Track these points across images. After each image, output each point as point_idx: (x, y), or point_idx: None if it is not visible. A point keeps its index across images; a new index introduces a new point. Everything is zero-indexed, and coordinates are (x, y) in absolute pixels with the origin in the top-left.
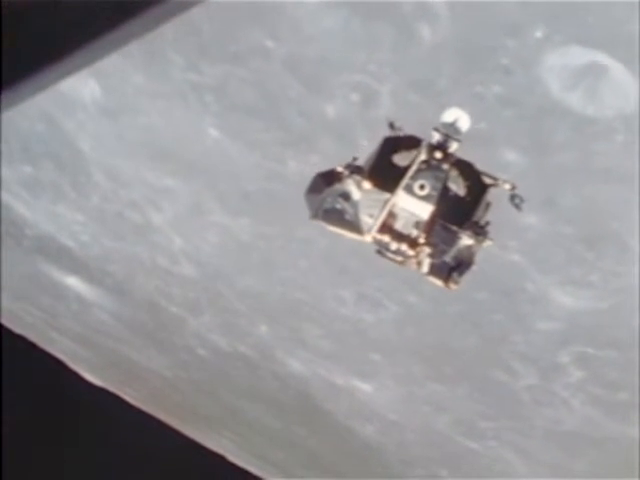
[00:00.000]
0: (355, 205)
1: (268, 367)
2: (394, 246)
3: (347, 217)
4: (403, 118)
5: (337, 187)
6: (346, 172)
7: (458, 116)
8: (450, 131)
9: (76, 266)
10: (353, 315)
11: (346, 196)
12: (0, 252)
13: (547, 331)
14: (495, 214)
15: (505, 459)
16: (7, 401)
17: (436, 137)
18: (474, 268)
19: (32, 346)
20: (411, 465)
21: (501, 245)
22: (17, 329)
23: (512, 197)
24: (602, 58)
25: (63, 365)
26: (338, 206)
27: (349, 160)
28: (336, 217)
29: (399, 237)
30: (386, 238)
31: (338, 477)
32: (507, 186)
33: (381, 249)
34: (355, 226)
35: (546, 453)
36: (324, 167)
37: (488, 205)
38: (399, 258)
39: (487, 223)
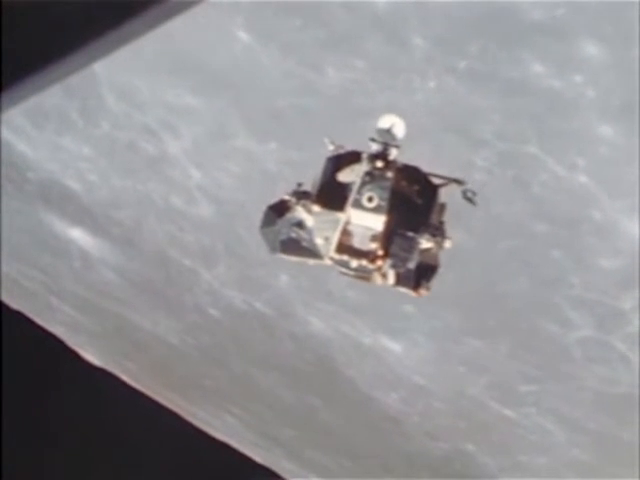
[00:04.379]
0: (309, 231)
1: (286, 327)
2: (354, 263)
3: (304, 244)
4: (467, 7)
5: (289, 217)
6: (294, 199)
7: (393, 122)
8: (387, 138)
9: (81, 214)
10: None
11: (299, 224)
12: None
13: (610, 270)
14: (564, 125)
15: (543, 428)
16: (6, 385)
17: (374, 147)
18: (535, 195)
19: (30, 323)
20: (434, 438)
21: (568, 164)
22: (15, 297)
23: (464, 192)
24: None
25: (62, 344)
26: (293, 235)
27: (397, 65)
28: (293, 247)
29: (358, 254)
30: (345, 257)
31: (351, 455)
32: (456, 184)
33: (342, 269)
34: (313, 252)
35: (592, 420)
36: (367, 75)
37: (443, 206)
38: (362, 274)
39: (442, 223)
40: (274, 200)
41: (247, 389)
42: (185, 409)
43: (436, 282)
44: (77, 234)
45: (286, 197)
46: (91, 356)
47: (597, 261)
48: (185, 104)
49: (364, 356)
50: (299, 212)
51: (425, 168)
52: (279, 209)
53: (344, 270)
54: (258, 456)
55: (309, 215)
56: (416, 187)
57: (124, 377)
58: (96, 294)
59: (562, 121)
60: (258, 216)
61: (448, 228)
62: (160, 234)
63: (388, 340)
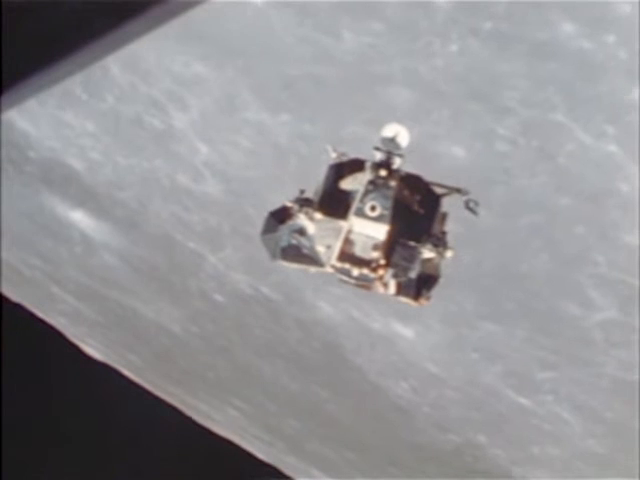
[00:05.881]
0: (311, 238)
1: (293, 312)
2: (356, 272)
3: (305, 251)
4: None
5: (290, 223)
6: (296, 206)
7: (398, 131)
8: (391, 147)
9: (83, 196)
10: None
11: (300, 231)
12: (0, 185)
13: (637, 247)
14: (593, 90)
15: (559, 417)
16: (6, 380)
17: (378, 156)
18: (561, 166)
19: (31, 316)
20: (444, 430)
21: (596, 132)
22: (15, 286)
23: (466, 202)
24: None
25: (63, 339)
26: (294, 242)
27: (417, 28)
28: (294, 253)
29: (359, 262)
30: (346, 265)
31: (356, 448)
32: (459, 193)
33: (343, 277)
34: (314, 259)
35: (609, 408)
36: (386, 39)
37: (445, 215)
38: (363, 283)
39: (444, 233)
40: (283, 180)
41: (251, 380)
42: (187, 403)
43: (452, 263)
44: (79, 217)
45: (288, 204)
46: (92, 349)
47: (622, 237)
48: (193, 73)
49: (374, 343)
50: (301, 219)
51: (445, 138)
52: (280, 215)
53: (345, 278)
54: (260, 451)
55: (311, 222)
56: (418, 196)
57: (125, 371)
58: (98, 281)
59: (591, 86)
60: (267, 194)
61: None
62: (165, 215)
63: (399, 325)
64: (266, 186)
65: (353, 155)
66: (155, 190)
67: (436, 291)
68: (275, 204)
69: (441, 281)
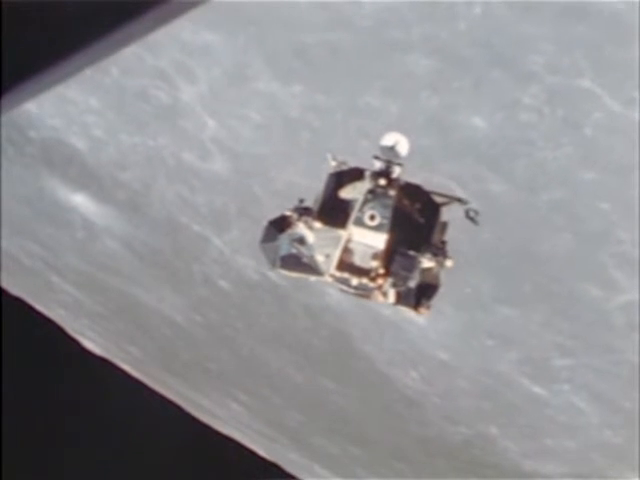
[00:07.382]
0: (310, 247)
1: (300, 299)
2: (355, 281)
3: (304, 260)
4: None
5: (289, 232)
6: (295, 215)
7: (397, 140)
8: (390, 156)
9: (85, 177)
10: None
11: (300, 240)
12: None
13: None
14: (623, 55)
15: (575, 407)
16: (6, 377)
17: (378, 164)
18: (586, 137)
19: (30, 309)
20: (454, 422)
21: (625, 99)
22: (15, 277)
23: (467, 212)
24: None
25: (63, 333)
26: (294, 251)
27: None
28: (294, 262)
29: (359, 271)
30: (346, 275)
31: (361, 442)
32: (459, 203)
33: (343, 287)
34: (313, 268)
35: (628, 398)
36: (406, 2)
37: (445, 225)
38: (363, 292)
39: (444, 242)
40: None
41: (255, 371)
42: (189, 398)
43: (468, 243)
44: (80, 200)
45: (287, 213)
46: (92, 343)
47: None
48: (202, 42)
49: (383, 330)
50: (300, 228)
51: (465, 107)
52: (280, 224)
53: (344, 288)
54: (262, 448)
55: (310, 231)
56: (418, 205)
57: (125, 366)
58: (99, 268)
59: (621, 49)
60: (277, 173)
61: (489, 176)
62: (169, 196)
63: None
64: (276, 164)
65: (368, 126)
66: (159, 170)
67: (450, 273)
68: (284, 183)
69: (455, 262)
